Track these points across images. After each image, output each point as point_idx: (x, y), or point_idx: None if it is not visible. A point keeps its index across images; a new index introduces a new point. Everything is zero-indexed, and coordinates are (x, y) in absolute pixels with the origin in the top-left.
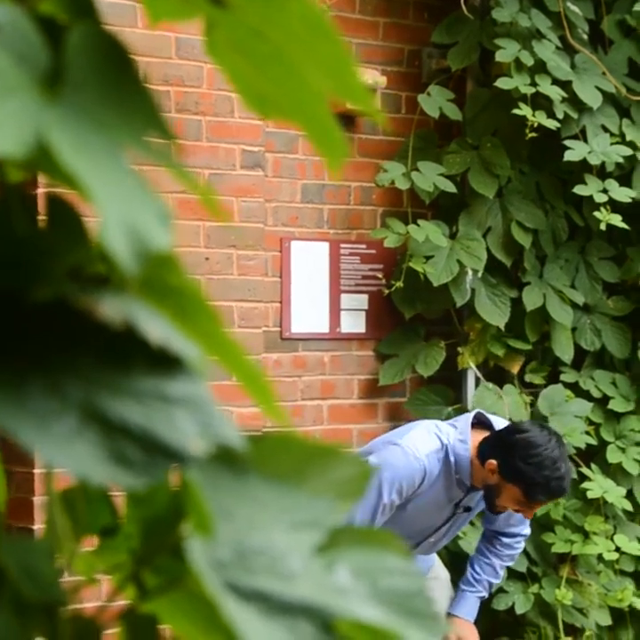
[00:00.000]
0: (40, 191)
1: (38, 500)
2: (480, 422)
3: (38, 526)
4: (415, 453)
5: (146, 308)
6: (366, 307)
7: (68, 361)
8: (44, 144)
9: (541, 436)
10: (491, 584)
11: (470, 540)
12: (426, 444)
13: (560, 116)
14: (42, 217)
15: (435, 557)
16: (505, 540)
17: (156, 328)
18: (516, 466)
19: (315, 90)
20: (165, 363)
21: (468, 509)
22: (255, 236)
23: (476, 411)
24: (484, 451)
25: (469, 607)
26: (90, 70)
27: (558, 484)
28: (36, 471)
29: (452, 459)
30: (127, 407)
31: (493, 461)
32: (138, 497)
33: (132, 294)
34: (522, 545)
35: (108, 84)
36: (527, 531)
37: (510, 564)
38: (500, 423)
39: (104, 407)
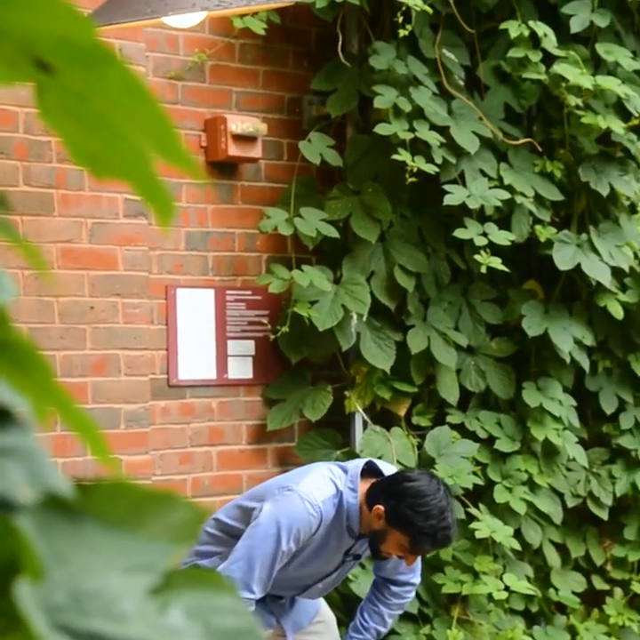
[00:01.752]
0: None
1: None
2: (371, 470)
3: None
4: (312, 500)
5: None
6: (253, 352)
7: None
8: None
9: (430, 485)
10: (379, 632)
11: (361, 583)
12: (322, 489)
13: (439, 160)
14: None
15: (321, 600)
16: (394, 588)
17: None
18: (404, 513)
19: (139, 150)
20: None
21: (357, 557)
22: (140, 284)
23: (368, 459)
24: (372, 496)
25: None
26: None
27: (444, 534)
28: None
29: (344, 506)
30: None
31: (380, 507)
32: None
33: None
34: (411, 594)
35: None
36: (416, 579)
37: (399, 612)
38: (390, 471)
39: None
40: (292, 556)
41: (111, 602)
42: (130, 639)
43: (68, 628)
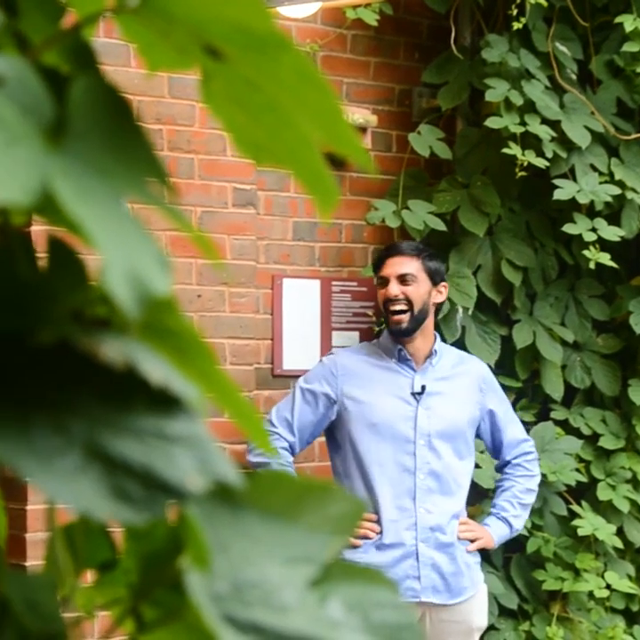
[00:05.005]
0: (33, 229)
1: (31, 536)
2: None
3: (30, 563)
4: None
5: (146, 349)
6: (357, 343)
7: (71, 401)
8: (48, 192)
9: None
10: (523, 505)
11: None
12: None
13: (549, 155)
14: (40, 256)
15: (482, 586)
16: (520, 460)
17: (157, 369)
18: None
19: (307, 138)
20: (165, 402)
21: (423, 389)
22: (247, 274)
23: None
24: None
25: (496, 527)
26: (91, 120)
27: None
28: (29, 508)
29: (375, 346)
30: (128, 445)
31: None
32: (136, 532)
33: (132, 336)
34: (534, 466)
35: (109, 134)
36: (530, 439)
37: (529, 486)
38: None
39: (106, 445)
40: (370, 431)
41: (272, 592)
42: (291, 630)
43: (231, 618)
